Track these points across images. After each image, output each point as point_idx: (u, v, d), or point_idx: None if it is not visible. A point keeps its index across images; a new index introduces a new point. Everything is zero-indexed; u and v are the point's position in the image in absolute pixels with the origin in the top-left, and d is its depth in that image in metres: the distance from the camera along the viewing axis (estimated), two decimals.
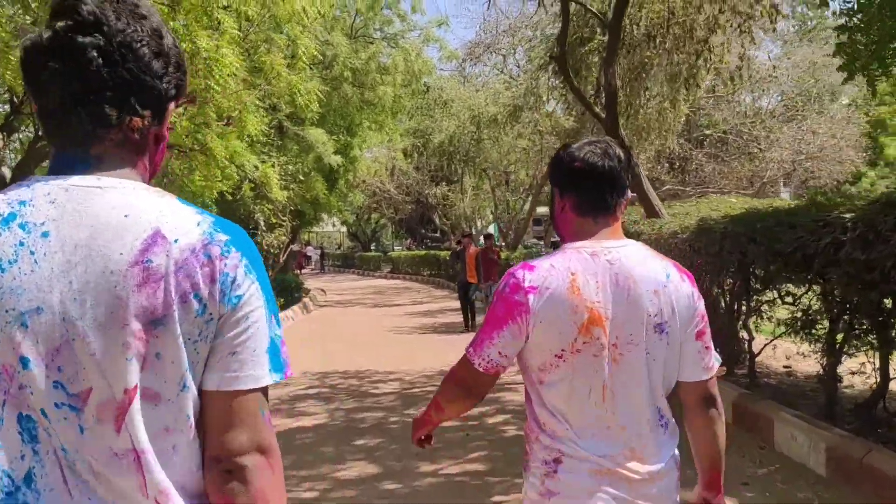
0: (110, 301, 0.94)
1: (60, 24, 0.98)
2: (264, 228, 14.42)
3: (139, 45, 1.00)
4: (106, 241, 0.95)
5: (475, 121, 19.33)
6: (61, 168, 1.01)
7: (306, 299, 20.36)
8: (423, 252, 30.58)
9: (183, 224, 0.99)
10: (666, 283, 1.63)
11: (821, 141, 19.48)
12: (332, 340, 11.82)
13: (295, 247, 34.70)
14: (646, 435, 1.62)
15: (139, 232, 0.96)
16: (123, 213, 0.97)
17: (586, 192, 1.66)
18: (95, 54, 0.97)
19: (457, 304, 13.65)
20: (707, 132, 20.98)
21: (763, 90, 19.45)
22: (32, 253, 0.94)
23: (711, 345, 1.71)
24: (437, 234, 44.47)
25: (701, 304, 1.69)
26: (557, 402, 1.61)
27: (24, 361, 0.93)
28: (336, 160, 19.11)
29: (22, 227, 0.95)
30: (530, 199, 19.18)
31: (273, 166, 13.43)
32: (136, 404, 0.95)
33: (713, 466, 1.72)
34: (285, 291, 21.13)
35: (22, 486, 0.94)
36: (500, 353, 1.62)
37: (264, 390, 1.03)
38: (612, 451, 1.60)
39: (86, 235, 0.95)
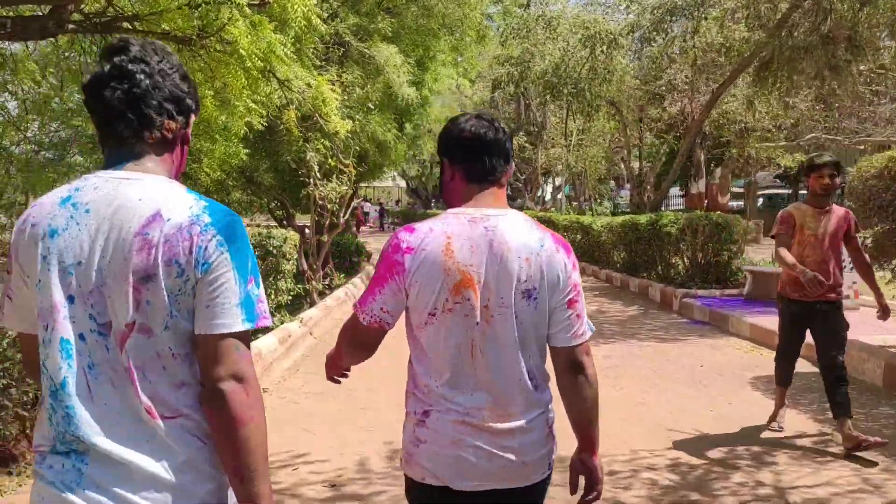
0: (121, 260, 1.34)
1: (117, 58, 1.44)
2: (318, 176, 10.28)
3: (171, 71, 1.48)
4: (123, 217, 1.36)
5: (591, 41, 14.70)
6: (110, 163, 1.45)
7: (369, 266, 16.38)
8: None
9: (178, 207, 1.38)
10: (539, 251, 1.74)
11: None
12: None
13: (355, 202, 30.84)
14: (511, 392, 1.75)
15: (145, 211, 1.36)
16: (138, 197, 1.38)
17: (480, 162, 1.79)
18: (142, 76, 1.43)
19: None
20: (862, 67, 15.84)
21: None
22: (78, 224, 1.37)
23: (584, 314, 1.81)
24: (509, 192, 40.20)
25: (575, 275, 1.80)
26: (431, 359, 1.76)
27: (70, 299, 1.36)
28: (410, 93, 14.85)
29: (73, 205, 1.39)
30: (683, 142, 14.40)
31: (332, 84, 9.17)
32: (133, 335, 1.35)
33: (583, 428, 1.85)
34: (342, 255, 17.17)
35: (59, 389, 1.34)
36: (382, 308, 1.76)
37: (239, 335, 1.37)
38: (476, 405, 1.73)
39: (112, 213, 1.36)
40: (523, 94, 33.14)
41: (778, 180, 34.17)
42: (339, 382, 2.05)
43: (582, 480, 1.87)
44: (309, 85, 9.34)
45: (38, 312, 1.37)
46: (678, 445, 4.60)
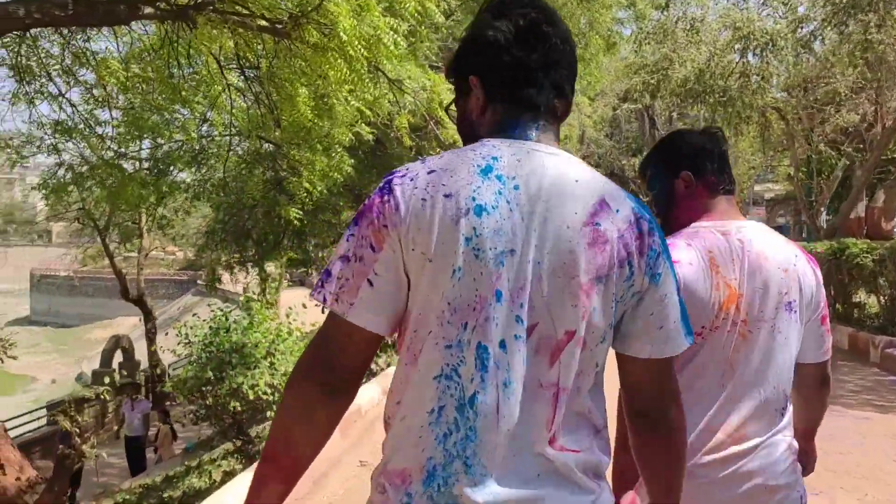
0: (564, 253, 1.07)
1: (534, 13, 1.17)
2: None
3: (571, 40, 1.21)
4: (562, 201, 1.09)
5: (743, 42, 12.77)
6: (513, 131, 1.16)
7: None
8: None
9: (619, 196, 1.13)
10: (795, 262, 1.63)
11: None
12: None
13: None
14: (761, 410, 1.58)
15: (588, 197, 1.10)
16: (574, 178, 1.12)
17: (722, 174, 1.72)
18: (557, 41, 1.17)
19: None
20: None
21: None
22: (508, 202, 1.07)
23: (829, 328, 1.73)
24: None
25: (823, 290, 1.69)
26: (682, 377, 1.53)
27: (497, 295, 1.06)
28: None
29: (498, 178, 1.09)
30: (869, 155, 12.01)
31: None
32: (570, 346, 1.08)
33: (813, 425, 1.82)
34: None
35: (467, 405, 1.07)
36: None
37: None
38: (721, 424, 1.57)
39: (545, 193, 1.09)
40: (647, 110, 30.92)
41: None
42: None
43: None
44: (424, 88, 8.04)
45: (447, 306, 1.07)
46: None
